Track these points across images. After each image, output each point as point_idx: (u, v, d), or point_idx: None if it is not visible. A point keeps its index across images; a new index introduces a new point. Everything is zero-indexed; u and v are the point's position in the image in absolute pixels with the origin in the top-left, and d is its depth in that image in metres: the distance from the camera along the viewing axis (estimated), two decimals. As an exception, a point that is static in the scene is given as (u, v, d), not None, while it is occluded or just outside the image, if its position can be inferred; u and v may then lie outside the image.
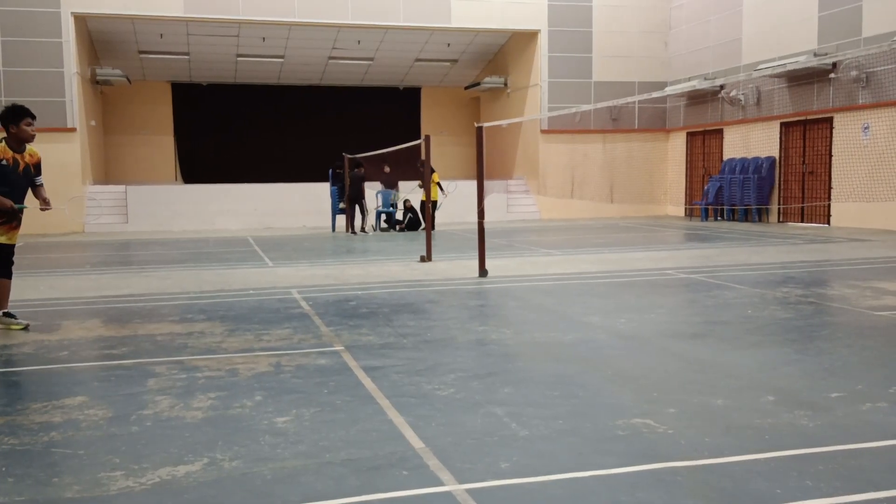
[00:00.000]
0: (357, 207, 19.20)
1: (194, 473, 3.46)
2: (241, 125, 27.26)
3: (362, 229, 19.14)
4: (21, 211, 6.94)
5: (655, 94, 9.66)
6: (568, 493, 3.21)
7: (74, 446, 3.87)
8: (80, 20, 21.10)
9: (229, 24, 22.45)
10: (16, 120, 6.85)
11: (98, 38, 23.12)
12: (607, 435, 3.90)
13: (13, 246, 7.12)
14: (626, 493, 3.17)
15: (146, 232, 20.55)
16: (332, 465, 3.54)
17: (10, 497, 3.23)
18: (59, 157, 20.51)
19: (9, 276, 7.08)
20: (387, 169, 19.95)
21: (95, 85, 23.60)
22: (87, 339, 6.56)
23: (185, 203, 22.17)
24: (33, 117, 6.94)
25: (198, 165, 26.93)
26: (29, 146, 7.07)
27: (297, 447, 3.79)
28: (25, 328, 6.94)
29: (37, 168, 7.20)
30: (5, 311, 7.02)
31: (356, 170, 19.13)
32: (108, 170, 25.86)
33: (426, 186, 13.24)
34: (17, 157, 6.94)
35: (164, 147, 27.25)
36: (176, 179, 27.01)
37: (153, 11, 21.12)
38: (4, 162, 6.85)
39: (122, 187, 22.30)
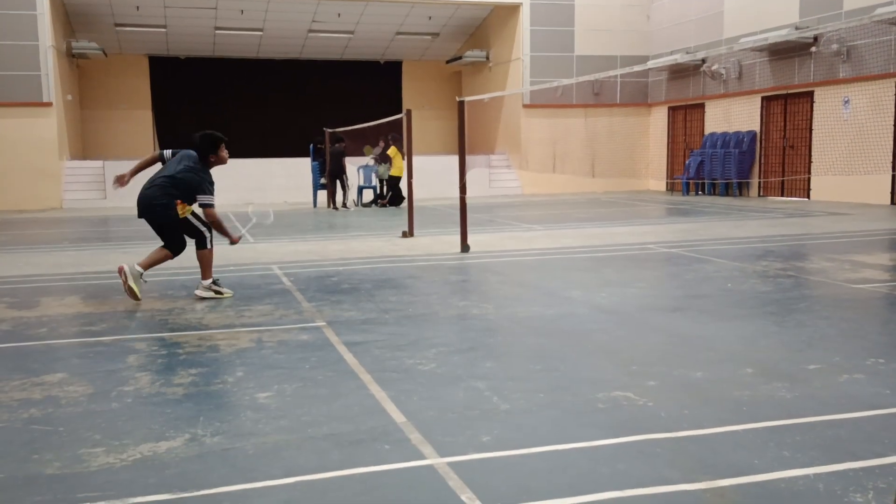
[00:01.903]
0: (338, 183, 19.10)
1: (176, 449, 3.46)
2: (220, 99, 26.94)
3: (343, 205, 19.05)
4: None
5: (637, 68, 9.64)
6: (549, 465, 3.23)
7: (54, 423, 3.84)
8: (55, -8, 20.70)
9: (207, -3, 22.11)
10: (215, 149, 7.25)
11: (73, 11, 22.70)
12: (588, 408, 3.93)
13: None
14: (606, 465, 3.20)
15: (125, 208, 20.31)
16: (315, 439, 3.55)
17: (-10, 474, 3.20)
18: (36, 132, 20.23)
19: None
20: (381, 143, 19.79)
21: (71, 58, 23.21)
22: (67, 316, 6.51)
23: (165, 178, 21.89)
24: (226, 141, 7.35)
25: (177, 140, 26.55)
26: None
27: (279, 422, 3.79)
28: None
29: None
30: None
31: (336, 144, 18.99)
32: (85, 145, 25.52)
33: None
34: None
35: (142, 121, 26.90)
36: (154, 154, 26.69)
37: (129, -17, 20.75)
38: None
39: (99, 162, 22.02)
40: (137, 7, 22.57)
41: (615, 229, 12.80)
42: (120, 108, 26.53)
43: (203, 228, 7.23)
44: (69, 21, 23.11)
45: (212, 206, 7.10)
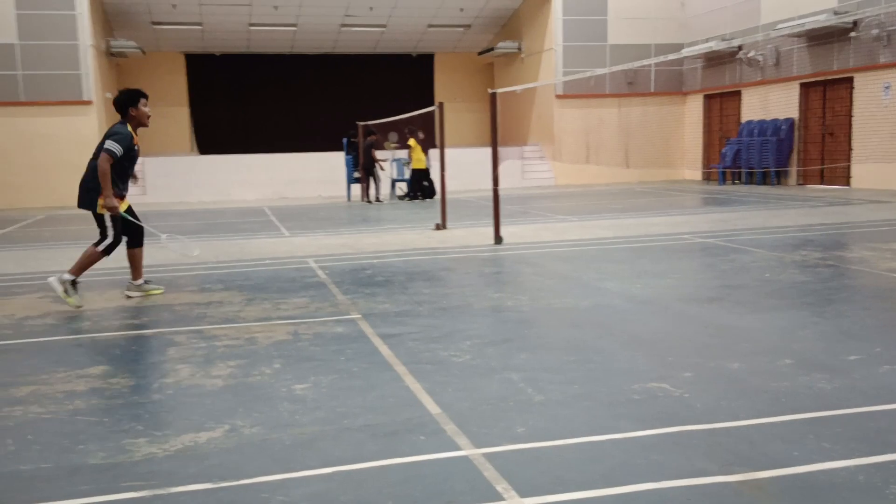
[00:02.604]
0: (371, 176, 19.14)
1: (216, 440, 3.52)
2: (255, 95, 27.21)
3: (377, 198, 19.11)
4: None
5: (672, 57, 9.55)
6: (583, 456, 3.24)
7: (98, 414, 3.94)
8: (93, -9, 21.05)
9: (241, -7, 22.33)
10: (134, 102, 6.88)
11: (111, 10, 23.06)
12: (622, 399, 3.92)
13: None
14: (641, 457, 3.19)
15: (163, 203, 20.66)
16: (351, 430, 3.59)
17: (37, 464, 3.30)
18: (77, 129, 20.61)
19: None
20: (421, 135, 19.82)
21: (110, 57, 23.60)
22: (109, 310, 6.65)
23: (201, 174, 22.24)
24: (147, 97, 7.00)
25: (213, 136, 26.97)
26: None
27: (315, 413, 3.84)
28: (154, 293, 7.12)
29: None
30: None
31: (368, 138, 19.06)
32: (124, 142, 25.91)
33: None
34: (136, 140, 6.99)
35: (179, 118, 27.27)
36: (192, 150, 27.07)
37: (164, -19, 21.04)
38: (135, 146, 6.89)
39: (139, 159, 22.35)
40: (174, 5, 22.86)
41: (650, 219, 12.69)
42: (157, 105, 26.79)
43: (135, 225, 7.10)
44: (108, 20, 23.49)
45: (110, 153, 6.64)
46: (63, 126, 20.44)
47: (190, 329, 5.81)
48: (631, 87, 24.05)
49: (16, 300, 7.17)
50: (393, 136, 19.99)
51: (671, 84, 24.48)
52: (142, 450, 3.43)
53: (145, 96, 7.01)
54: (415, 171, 19.45)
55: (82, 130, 20.69)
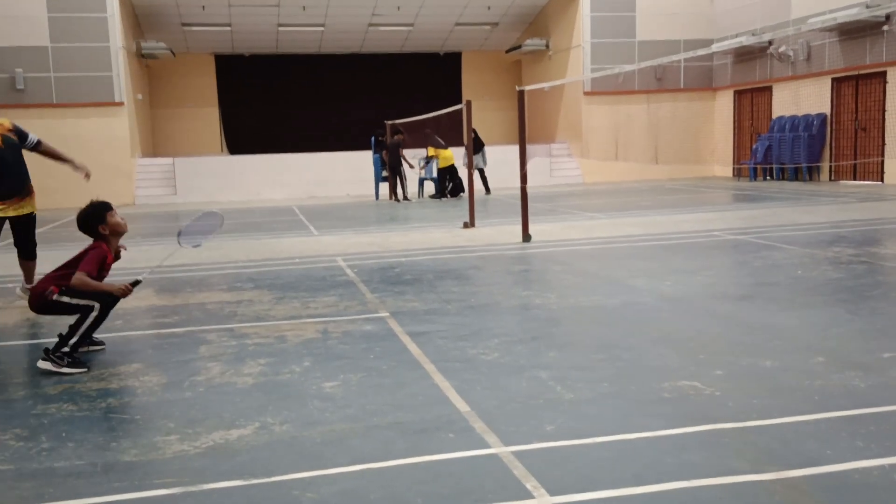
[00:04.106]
0: (398, 175, 19.08)
1: (246, 437, 3.55)
2: (283, 95, 27.40)
3: (405, 197, 19.14)
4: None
5: (701, 52, 9.43)
6: (613, 454, 3.22)
7: (131, 412, 3.99)
8: (124, -6, 21.33)
9: (269, -6, 22.49)
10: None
11: (142, 12, 23.35)
12: (653, 397, 3.89)
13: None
14: (672, 455, 3.16)
15: (194, 203, 20.87)
16: (380, 428, 3.60)
17: (71, 461, 3.35)
18: (109, 131, 20.91)
19: None
20: (441, 142, 19.87)
21: (141, 58, 23.90)
22: (141, 309, 6.73)
23: (231, 174, 22.45)
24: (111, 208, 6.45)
25: (242, 136, 27.21)
26: None
27: (345, 411, 3.86)
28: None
29: (16, 133, 6.74)
30: None
31: (395, 137, 19.09)
32: (155, 142, 26.28)
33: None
34: None
35: (209, 119, 27.55)
36: (222, 151, 27.33)
37: (194, -17, 21.27)
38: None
39: (169, 160, 22.65)
40: (203, 6, 23.08)
41: (680, 216, 12.58)
42: (188, 106, 27.22)
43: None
44: (138, 22, 23.79)
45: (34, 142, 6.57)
46: (95, 127, 20.73)
47: (221, 327, 5.87)
48: (660, 83, 23.85)
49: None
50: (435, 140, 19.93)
51: (701, 80, 24.24)
52: (173, 447, 3.47)
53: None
54: (441, 171, 19.51)
55: (114, 131, 20.98)
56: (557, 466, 3.11)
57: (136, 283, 5.05)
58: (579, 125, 23.86)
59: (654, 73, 23.55)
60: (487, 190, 20.08)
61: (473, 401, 3.92)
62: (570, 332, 5.42)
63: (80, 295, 4.88)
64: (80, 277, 4.87)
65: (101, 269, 5.13)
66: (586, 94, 23.53)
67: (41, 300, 4.97)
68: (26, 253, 6.99)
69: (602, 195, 18.49)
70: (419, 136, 19.99)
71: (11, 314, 6.64)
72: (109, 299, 4.98)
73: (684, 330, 5.30)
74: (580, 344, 5.05)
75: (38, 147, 6.87)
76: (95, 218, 5.15)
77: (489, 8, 24.88)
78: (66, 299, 4.90)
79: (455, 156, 19.54)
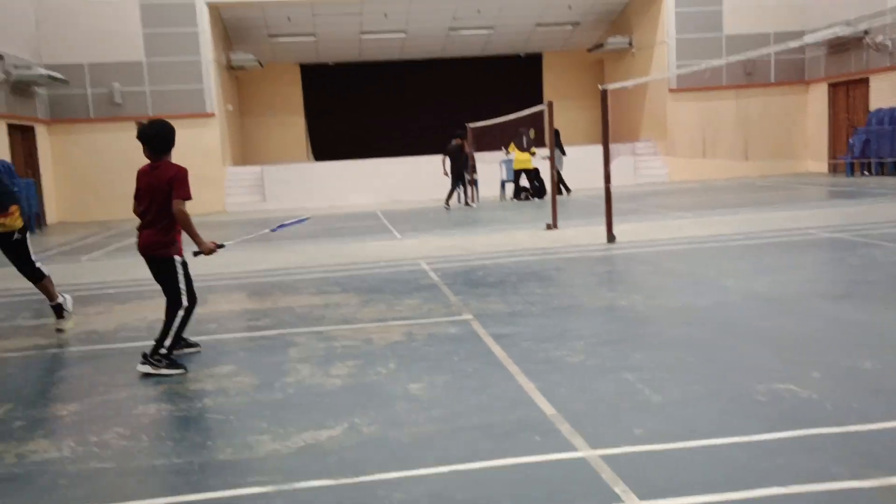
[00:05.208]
0: (460, 180, 18.72)
1: (336, 437, 3.62)
2: (366, 101, 27.85)
3: (466, 203, 18.81)
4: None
5: (793, 45, 9.10)
6: (706, 459, 3.14)
7: (225, 412, 4.13)
8: (214, 8, 22.06)
9: (352, 3, 22.88)
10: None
11: (230, 25, 24.13)
12: (747, 400, 3.78)
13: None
14: (767, 460, 3.06)
15: (282, 209, 21.41)
16: (466, 429, 3.62)
17: (170, 459, 3.49)
18: (200, 141, 21.67)
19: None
20: (532, 133, 19.74)
21: (230, 70, 24.70)
22: (233, 312, 6.95)
23: (317, 180, 22.93)
24: None
25: (327, 143, 27.79)
26: None
27: (430, 412, 3.88)
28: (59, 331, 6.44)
29: None
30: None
31: (454, 141, 18.71)
32: (244, 151, 27.09)
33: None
34: None
35: (295, 126, 28.24)
36: (308, 158, 27.96)
37: (280, -5, 21.85)
38: None
39: (258, 168, 23.31)
40: (289, 17, 23.68)
41: (772, 214, 12.16)
42: (275, 115, 27.97)
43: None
44: (227, 35, 24.59)
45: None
46: (187, 138, 21.46)
47: (309, 330, 6.00)
48: (749, 77, 23.12)
49: (148, 303, 7.59)
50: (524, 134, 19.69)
51: (793, 73, 23.38)
52: (266, 447, 3.56)
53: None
54: (515, 172, 19.46)
55: (206, 141, 21.72)
56: (647, 470, 3.05)
57: (220, 246, 5.21)
58: (664, 123, 23.36)
59: (743, 67, 22.83)
60: (566, 190, 19.87)
61: (559, 403, 3.89)
62: (657, 334, 5.31)
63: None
64: (182, 210, 4.92)
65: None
66: (671, 91, 23.02)
67: (162, 253, 4.99)
68: (28, 276, 6.48)
69: (689, 193, 18.05)
70: (505, 137, 19.92)
71: (109, 319, 6.96)
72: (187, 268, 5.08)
73: (778, 330, 5.12)
74: (668, 345, 4.95)
75: None
76: (173, 135, 5.10)
77: (570, 7, 24.65)
78: (180, 274, 5.04)
79: (533, 159, 19.45)
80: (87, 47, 21.12)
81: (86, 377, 5.01)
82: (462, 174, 18.61)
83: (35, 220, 18.48)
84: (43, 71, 19.30)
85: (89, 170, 21.06)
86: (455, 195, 18.71)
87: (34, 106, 20.33)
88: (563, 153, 19.80)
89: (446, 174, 18.78)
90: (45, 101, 21.05)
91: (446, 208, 18.17)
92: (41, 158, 20.67)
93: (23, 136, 19.77)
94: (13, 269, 6.48)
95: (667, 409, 3.74)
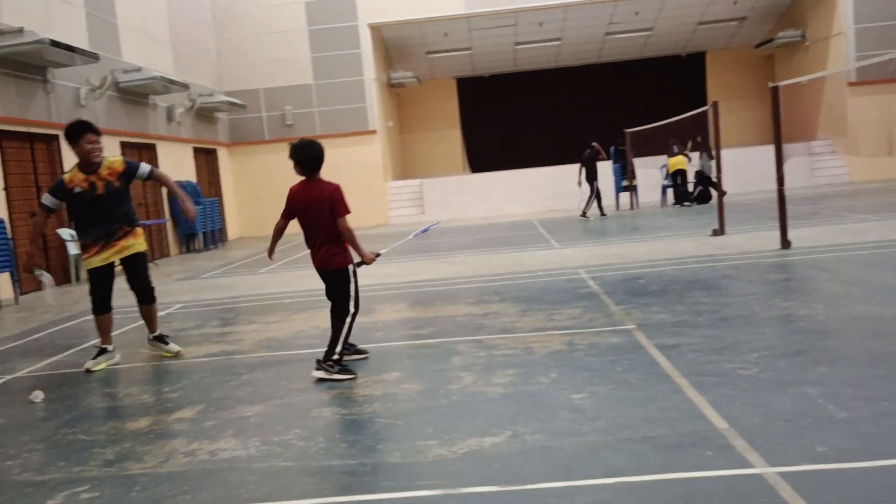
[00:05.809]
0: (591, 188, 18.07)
1: (499, 445, 3.65)
2: (521, 111, 27.98)
3: (583, 213, 18.12)
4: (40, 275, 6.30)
5: None
6: (895, 479, 2.90)
7: (393, 417, 4.26)
8: (375, 30, 22.96)
9: (507, 15, 23.08)
10: (75, 138, 6.04)
11: (391, 45, 25.02)
12: (946, 419, 3.45)
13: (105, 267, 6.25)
14: (973, 485, 2.79)
15: (442, 220, 21.87)
16: (632, 441, 3.53)
17: (345, 460, 3.64)
18: (364, 157, 22.59)
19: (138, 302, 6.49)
20: (699, 138, 19.19)
21: (390, 88, 25.59)
22: (398, 321, 7.17)
23: (474, 191, 23.26)
24: (96, 133, 6.11)
25: (483, 154, 28.13)
26: (107, 159, 6.21)
27: (594, 423, 3.83)
28: (176, 355, 6.42)
29: (125, 176, 6.23)
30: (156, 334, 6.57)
31: (587, 150, 18.17)
32: (404, 165, 27.93)
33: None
34: (93, 179, 6.08)
35: (452, 140, 28.82)
36: (464, 170, 28.42)
37: (438, 13, 22.40)
38: (78, 189, 6.04)
39: (417, 181, 23.96)
40: (446, 33, 24.24)
41: (971, 215, 11.05)
42: (433, 129, 28.67)
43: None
44: (388, 54, 25.51)
45: (41, 206, 6.22)
46: (351, 155, 22.48)
47: (471, 339, 6.08)
48: (941, 66, 21.16)
49: (321, 313, 7.96)
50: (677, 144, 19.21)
51: None
52: (433, 451, 3.65)
53: (90, 130, 6.07)
54: (672, 175, 18.92)
55: (368, 158, 22.60)
56: (830, 490, 2.86)
57: (377, 255, 5.53)
58: (844, 119, 21.82)
59: (931, 55, 20.93)
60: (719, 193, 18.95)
61: (732, 417, 3.72)
62: (840, 346, 4.96)
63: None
64: (347, 227, 5.28)
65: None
66: (851, 84, 21.48)
67: (338, 263, 5.30)
68: (143, 297, 6.41)
69: (874, 195, 16.74)
70: (662, 144, 19.41)
71: (286, 327, 7.37)
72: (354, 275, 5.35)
73: (982, 343, 4.64)
74: (853, 358, 4.61)
75: (151, 176, 6.41)
76: (323, 154, 5.54)
77: (735, 2, 23.62)
78: (352, 281, 5.35)
79: (683, 160, 18.90)
80: (262, 74, 22.62)
81: (267, 381, 5.33)
82: (591, 182, 18.03)
83: (218, 235, 19.96)
84: (224, 97, 20.82)
85: (264, 188, 22.47)
86: (593, 203, 18.23)
87: (216, 130, 21.98)
88: (711, 157, 19.01)
89: (579, 184, 18.31)
90: (226, 125, 22.71)
91: (603, 215, 17.89)
92: (223, 178, 22.31)
93: (207, 159, 21.44)
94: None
95: (853, 426, 3.48)
